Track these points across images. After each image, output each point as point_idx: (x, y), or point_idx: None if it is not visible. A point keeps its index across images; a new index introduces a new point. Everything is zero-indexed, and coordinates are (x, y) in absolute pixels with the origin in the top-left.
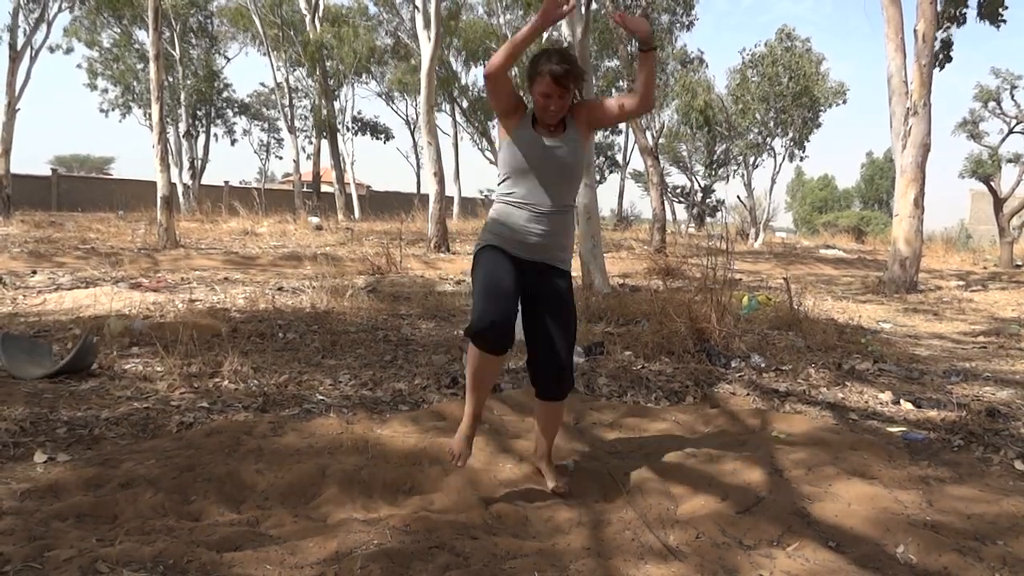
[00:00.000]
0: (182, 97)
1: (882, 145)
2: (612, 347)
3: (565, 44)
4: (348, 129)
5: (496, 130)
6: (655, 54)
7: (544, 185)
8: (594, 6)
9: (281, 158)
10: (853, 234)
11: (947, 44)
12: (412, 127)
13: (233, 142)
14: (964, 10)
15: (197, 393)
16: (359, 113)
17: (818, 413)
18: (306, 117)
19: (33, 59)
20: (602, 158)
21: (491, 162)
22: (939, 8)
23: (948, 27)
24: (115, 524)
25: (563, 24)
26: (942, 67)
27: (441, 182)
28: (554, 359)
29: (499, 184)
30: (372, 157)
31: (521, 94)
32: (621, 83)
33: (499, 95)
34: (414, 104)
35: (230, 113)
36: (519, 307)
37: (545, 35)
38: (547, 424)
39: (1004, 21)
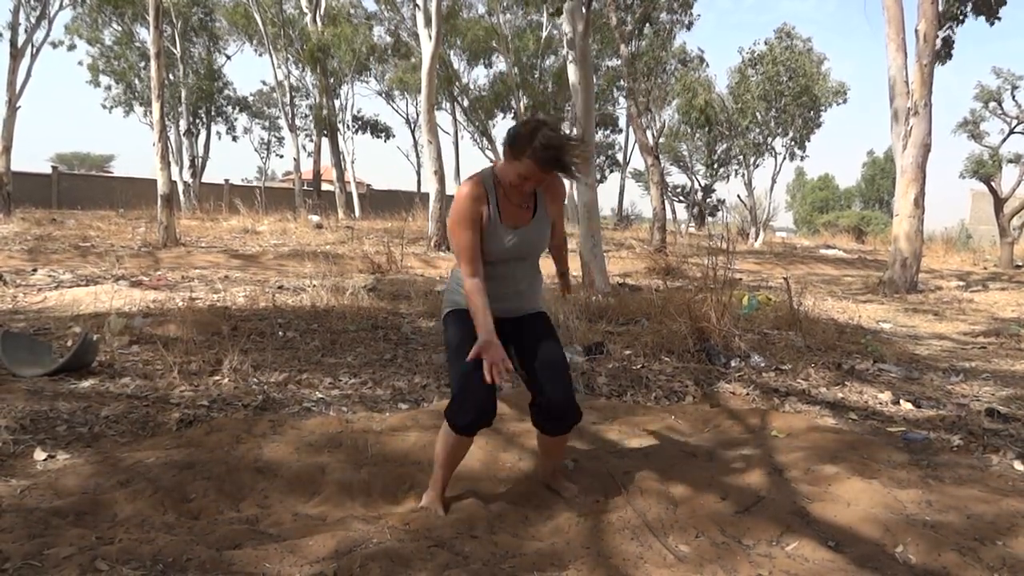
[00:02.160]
0: (183, 95)
1: (883, 144)
2: (612, 346)
3: (566, 41)
4: (348, 127)
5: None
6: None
7: (513, 264)
8: (595, 5)
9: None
10: (853, 234)
11: (948, 42)
12: (412, 126)
13: (235, 139)
14: (965, 8)
15: (197, 391)
16: (359, 111)
17: (818, 413)
18: (307, 115)
19: (34, 56)
20: (603, 157)
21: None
22: (940, 8)
23: (949, 25)
24: (114, 522)
25: (564, 21)
26: (943, 63)
27: (442, 180)
28: (556, 395)
29: None
30: (372, 155)
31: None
32: (621, 82)
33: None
34: (414, 103)
35: (231, 111)
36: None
37: (545, 32)
38: (551, 451)
39: (999, 18)
